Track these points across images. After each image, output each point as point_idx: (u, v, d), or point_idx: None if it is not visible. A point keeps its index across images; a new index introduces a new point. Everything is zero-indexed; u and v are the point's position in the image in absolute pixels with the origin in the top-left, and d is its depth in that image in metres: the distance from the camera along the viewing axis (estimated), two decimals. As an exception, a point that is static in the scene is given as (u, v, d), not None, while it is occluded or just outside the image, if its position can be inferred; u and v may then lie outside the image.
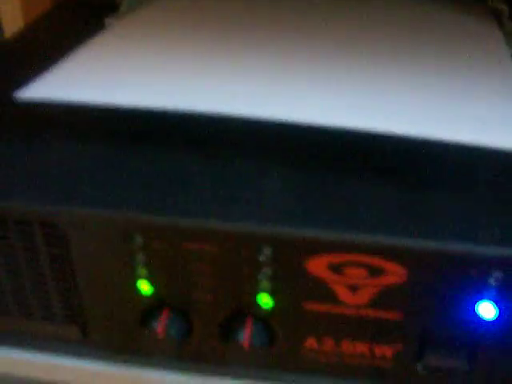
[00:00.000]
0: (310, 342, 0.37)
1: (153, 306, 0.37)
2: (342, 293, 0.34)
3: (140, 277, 0.36)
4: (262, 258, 0.34)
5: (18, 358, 0.42)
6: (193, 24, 0.56)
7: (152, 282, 0.36)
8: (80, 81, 0.47)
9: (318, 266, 0.34)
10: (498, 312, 0.34)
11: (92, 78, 0.47)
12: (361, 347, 0.36)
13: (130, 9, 0.60)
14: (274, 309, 0.36)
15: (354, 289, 0.34)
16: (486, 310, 0.34)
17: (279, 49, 0.52)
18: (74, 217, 0.35)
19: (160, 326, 0.36)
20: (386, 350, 0.36)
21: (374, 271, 0.33)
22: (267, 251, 0.34)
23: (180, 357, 0.39)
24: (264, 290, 0.35)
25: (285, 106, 0.43)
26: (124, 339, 0.39)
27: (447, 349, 0.35)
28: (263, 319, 0.36)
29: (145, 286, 0.36)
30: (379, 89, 0.46)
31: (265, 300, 0.36)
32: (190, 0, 0.64)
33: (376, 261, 0.33)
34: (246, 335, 0.36)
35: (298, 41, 0.54)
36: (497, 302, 0.33)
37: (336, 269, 0.34)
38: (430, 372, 0.36)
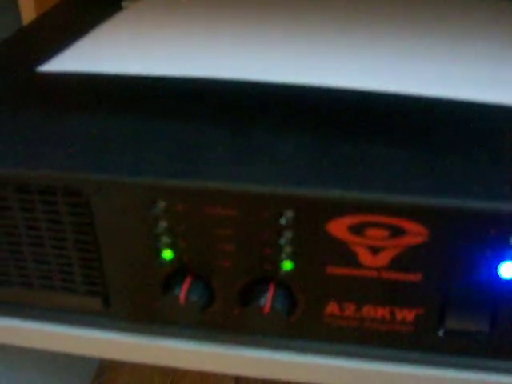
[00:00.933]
0: (332, 308, 0.37)
1: (175, 274, 0.37)
2: (363, 255, 0.35)
3: (162, 243, 0.36)
4: (283, 221, 0.34)
5: (39, 330, 0.43)
6: (206, 3, 0.57)
7: (174, 248, 0.37)
8: (99, 55, 0.48)
9: (338, 227, 0.34)
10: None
11: (110, 53, 0.48)
12: (382, 311, 0.37)
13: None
14: (295, 273, 0.36)
15: (374, 250, 0.34)
16: (508, 270, 0.34)
17: (292, 20, 0.53)
18: (98, 183, 0.35)
19: (182, 292, 0.37)
20: (407, 314, 0.36)
21: (395, 232, 0.33)
22: (288, 214, 0.34)
23: (201, 325, 0.39)
24: (285, 254, 0.35)
25: (300, 71, 0.44)
26: (145, 309, 0.40)
27: (468, 311, 0.36)
28: (284, 284, 0.36)
29: (167, 253, 0.37)
30: (395, 53, 0.47)
31: (286, 264, 0.36)
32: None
33: (397, 221, 0.33)
34: (267, 300, 0.36)
35: (312, 13, 0.54)
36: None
37: (357, 230, 0.34)
38: (451, 335, 0.36)
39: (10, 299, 0.42)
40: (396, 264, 0.35)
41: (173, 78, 0.44)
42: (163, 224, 0.36)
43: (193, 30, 0.52)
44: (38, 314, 0.43)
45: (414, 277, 0.35)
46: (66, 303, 0.41)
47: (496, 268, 0.34)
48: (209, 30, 0.51)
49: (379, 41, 0.49)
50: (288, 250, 0.35)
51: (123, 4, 0.58)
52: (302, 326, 0.38)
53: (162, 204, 0.35)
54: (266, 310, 0.36)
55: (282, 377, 0.40)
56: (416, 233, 0.33)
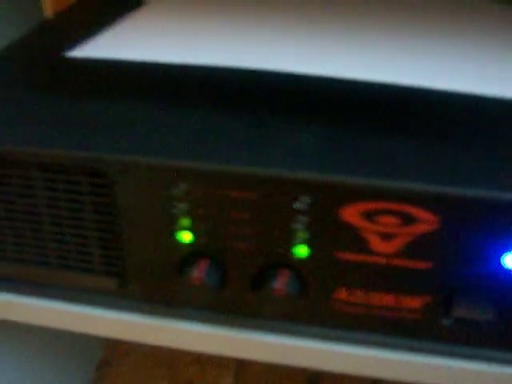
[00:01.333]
0: (341, 293, 0.38)
1: (191, 255, 0.39)
2: (374, 241, 0.36)
3: (181, 225, 0.38)
4: (298, 206, 0.36)
5: (55, 309, 0.44)
6: None
7: (192, 230, 0.38)
8: (123, 43, 0.50)
9: (352, 213, 0.35)
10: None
11: (134, 42, 0.50)
12: (389, 298, 0.38)
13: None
14: (307, 258, 0.37)
15: (385, 237, 0.36)
16: (512, 261, 0.35)
17: (309, 16, 0.55)
18: (122, 164, 0.36)
19: (197, 274, 0.38)
20: (414, 302, 0.38)
21: (407, 219, 0.35)
22: (304, 199, 0.35)
23: (214, 308, 0.41)
24: (299, 239, 0.37)
25: (316, 63, 0.46)
26: (161, 290, 0.41)
27: (475, 300, 0.37)
28: (297, 268, 0.38)
29: (185, 235, 0.38)
30: (409, 46, 0.49)
31: (299, 248, 0.37)
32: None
33: (409, 208, 0.34)
34: (279, 284, 0.37)
35: (329, 11, 0.57)
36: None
37: (369, 217, 0.35)
38: (458, 324, 0.38)
39: (26, 278, 0.43)
40: (406, 251, 0.36)
41: (194, 65, 0.46)
42: (183, 206, 0.37)
43: (213, 21, 0.54)
44: (53, 293, 0.44)
45: (424, 264, 0.36)
46: (83, 283, 0.43)
47: (501, 259, 0.35)
48: (227, 22, 0.53)
49: (393, 35, 0.51)
50: (302, 234, 0.37)
51: (145, -1, 0.60)
52: (311, 311, 0.40)
53: (183, 186, 0.36)
54: (279, 293, 0.37)
55: (290, 361, 0.42)
56: (427, 221, 0.35)
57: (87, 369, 0.81)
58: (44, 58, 0.49)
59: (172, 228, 0.38)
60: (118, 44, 0.50)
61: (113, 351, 0.84)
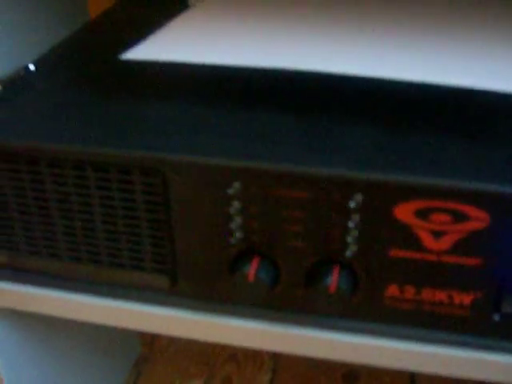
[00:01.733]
0: (392, 290, 0.39)
1: (244, 253, 0.40)
2: (426, 239, 0.37)
3: (234, 223, 0.39)
4: (352, 205, 0.36)
5: (106, 306, 0.45)
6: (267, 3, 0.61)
7: (245, 228, 0.39)
8: (174, 46, 0.51)
9: (405, 212, 0.36)
10: None
11: (184, 44, 0.52)
12: (440, 295, 0.38)
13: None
14: (359, 255, 0.38)
15: (438, 235, 0.36)
16: None
17: (344, 20, 0.56)
18: (178, 164, 0.37)
19: (251, 270, 0.39)
20: (464, 298, 0.38)
21: (458, 217, 0.35)
22: (357, 197, 0.36)
23: (266, 305, 0.42)
24: (352, 237, 0.37)
25: (364, 64, 0.47)
26: (212, 287, 0.42)
27: (524, 296, 0.37)
28: (349, 266, 0.39)
29: (238, 233, 0.39)
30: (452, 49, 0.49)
31: (352, 246, 0.38)
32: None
33: (461, 206, 0.35)
34: (333, 280, 0.38)
35: (364, 15, 0.57)
36: None
37: (422, 215, 0.36)
38: (507, 320, 0.38)
39: (79, 276, 0.45)
40: (457, 248, 0.36)
41: (243, 67, 0.47)
42: (237, 204, 0.38)
43: (257, 24, 0.55)
44: (104, 290, 0.45)
45: (474, 261, 0.37)
46: (133, 280, 0.44)
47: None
48: (272, 25, 0.54)
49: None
50: (354, 232, 0.37)
51: (189, 2, 0.61)
52: (363, 308, 0.40)
53: (237, 185, 0.37)
54: (332, 290, 0.38)
55: (340, 357, 0.42)
56: (478, 218, 0.35)
57: (126, 365, 0.83)
58: (98, 60, 0.51)
59: (225, 226, 0.39)
60: (168, 46, 0.51)
61: (151, 348, 0.86)
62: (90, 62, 0.51)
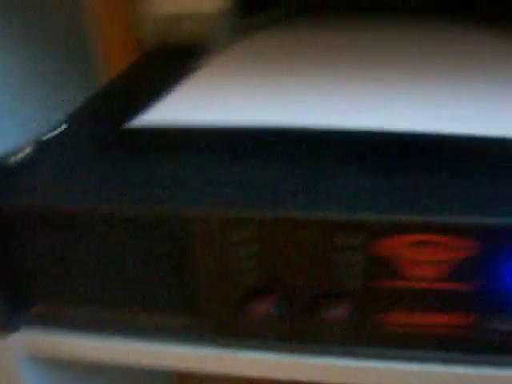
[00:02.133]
0: (394, 316, 0.43)
1: (257, 292, 0.44)
2: (419, 269, 0.41)
3: (248, 266, 0.43)
4: (352, 244, 0.40)
5: (130, 348, 0.49)
6: (282, 56, 0.66)
7: (257, 270, 0.43)
8: (186, 109, 0.56)
9: (398, 245, 0.40)
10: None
11: (195, 107, 0.56)
12: (440, 318, 0.42)
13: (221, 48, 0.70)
14: (360, 288, 0.42)
15: (430, 264, 0.40)
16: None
17: (362, 74, 0.61)
18: (197, 217, 0.42)
19: (265, 308, 0.43)
20: (462, 319, 0.42)
21: (449, 247, 0.39)
22: (355, 240, 0.40)
23: (278, 336, 0.45)
24: (352, 272, 0.41)
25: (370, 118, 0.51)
26: (230, 323, 0.46)
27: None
28: (351, 298, 0.42)
29: (253, 273, 0.43)
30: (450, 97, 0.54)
31: (352, 280, 0.42)
32: (275, 37, 0.74)
33: (450, 238, 0.39)
34: (335, 311, 0.42)
35: (379, 65, 0.62)
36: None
37: (414, 248, 0.40)
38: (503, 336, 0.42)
39: (113, 322, 0.49)
40: (450, 276, 0.40)
41: (252, 127, 0.52)
42: (252, 249, 0.42)
43: (268, 80, 0.59)
44: (132, 333, 0.49)
45: (467, 286, 0.40)
46: (153, 321, 0.48)
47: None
48: (282, 80, 0.59)
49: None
50: (354, 268, 0.41)
51: (199, 63, 0.65)
52: (366, 334, 0.44)
53: (251, 229, 0.42)
54: (335, 320, 0.42)
55: (348, 381, 0.46)
56: (468, 248, 0.39)
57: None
58: (107, 130, 0.56)
59: (240, 269, 0.43)
60: (180, 110, 0.55)
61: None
62: (100, 133, 0.56)
